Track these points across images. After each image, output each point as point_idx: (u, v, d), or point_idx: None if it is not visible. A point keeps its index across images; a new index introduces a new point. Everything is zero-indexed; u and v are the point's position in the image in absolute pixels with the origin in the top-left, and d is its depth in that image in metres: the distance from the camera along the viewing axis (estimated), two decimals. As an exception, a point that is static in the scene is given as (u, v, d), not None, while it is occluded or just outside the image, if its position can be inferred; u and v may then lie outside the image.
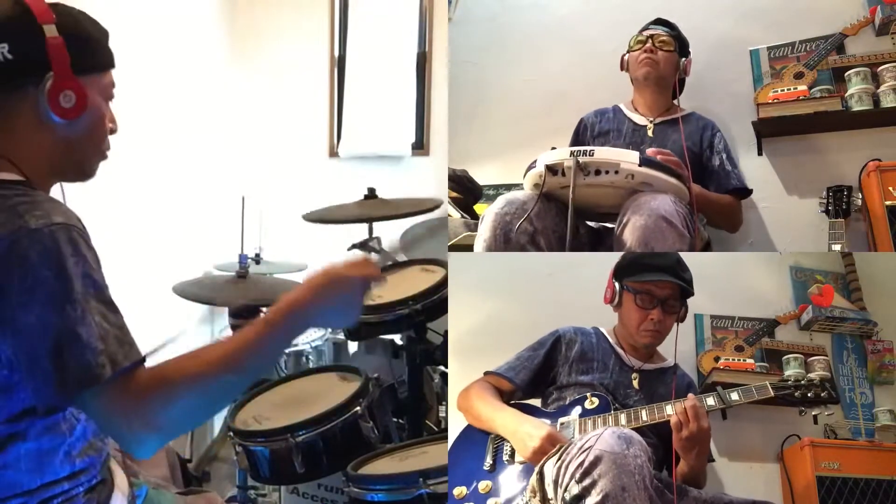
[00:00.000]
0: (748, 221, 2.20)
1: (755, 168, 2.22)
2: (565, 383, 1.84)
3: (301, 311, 1.17)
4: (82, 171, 1.26)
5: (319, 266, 1.23)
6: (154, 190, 2.93)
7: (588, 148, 1.76)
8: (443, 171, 2.50)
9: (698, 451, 1.63)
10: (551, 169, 1.76)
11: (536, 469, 1.54)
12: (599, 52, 2.38)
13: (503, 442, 1.74)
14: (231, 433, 1.87)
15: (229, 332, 2.17)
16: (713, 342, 2.14)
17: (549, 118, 2.47)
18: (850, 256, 2.20)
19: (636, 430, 1.59)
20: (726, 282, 2.18)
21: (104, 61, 1.23)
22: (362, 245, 2.64)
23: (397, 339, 2.48)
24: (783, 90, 2.18)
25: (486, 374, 1.90)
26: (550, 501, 1.49)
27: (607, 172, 1.73)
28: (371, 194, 2.69)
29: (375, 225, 2.78)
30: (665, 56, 2.13)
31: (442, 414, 2.43)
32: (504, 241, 1.79)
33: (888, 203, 1.92)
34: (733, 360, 2.11)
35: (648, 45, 2.13)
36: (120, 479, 1.32)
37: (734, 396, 1.69)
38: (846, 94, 2.09)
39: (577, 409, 1.75)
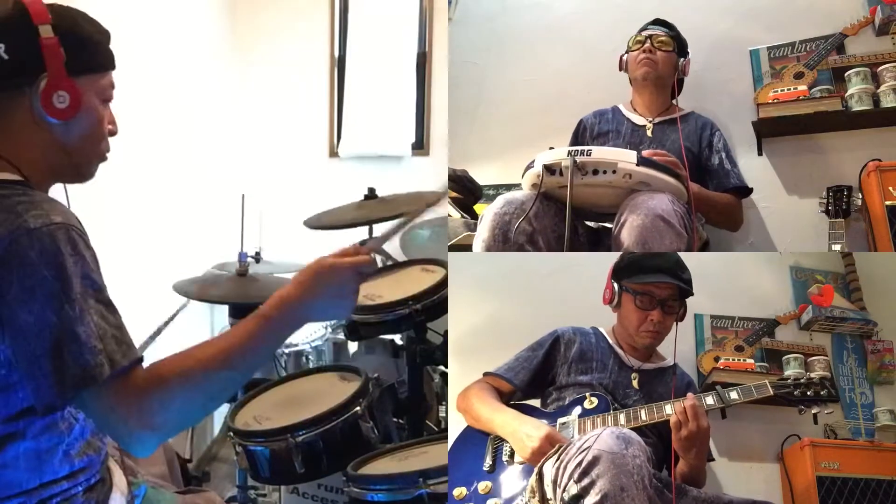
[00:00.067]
0: (748, 221, 2.20)
1: (755, 168, 2.22)
2: (564, 383, 1.84)
3: (293, 305, 1.18)
4: (79, 172, 1.25)
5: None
6: (154, 189, 2.93)
7: (585, 148, 1.77)
8: (443, 171, 2.50)
9: (697, 450, 1.63)
10: (549, 169, 1.76)
11: (536, 469, 1.55)
12: (599, 52, 2.38)
13: (503, 442, 1.74)
14: (231, 433, 1.87)
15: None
16: (713, 342, 2.14)
17: (549, 118, 2.47)
18: (850, 256, 2.20)
19: (636, 429, 1.59)
20: (726, 282, 2.18)
21: (102, 62, 1.22)
22: (362, 245, 2.63)
23: (397, 339, 2.48)
24: (783, 90, 2.18)
25: (486, 374, 1.90)
26: (549, 501, 1.49)
27: (605, 172, 1.74)
28: (371, 194, 2.69)
29: (375, 224, 2.78)
30: (664, 56, 2.13)
31: (442, 414, 2.43)
32: (503, 240, 1.79)
33: (888, 203, 1.92)
34: (733, 360, 2.11)
35: (647, 45, 2.13)
36: (119, 478, 1.32)
37: (733, 395, 1.68)
38: (846, 94, 2.09)
39: (577, 409, 1.74)
